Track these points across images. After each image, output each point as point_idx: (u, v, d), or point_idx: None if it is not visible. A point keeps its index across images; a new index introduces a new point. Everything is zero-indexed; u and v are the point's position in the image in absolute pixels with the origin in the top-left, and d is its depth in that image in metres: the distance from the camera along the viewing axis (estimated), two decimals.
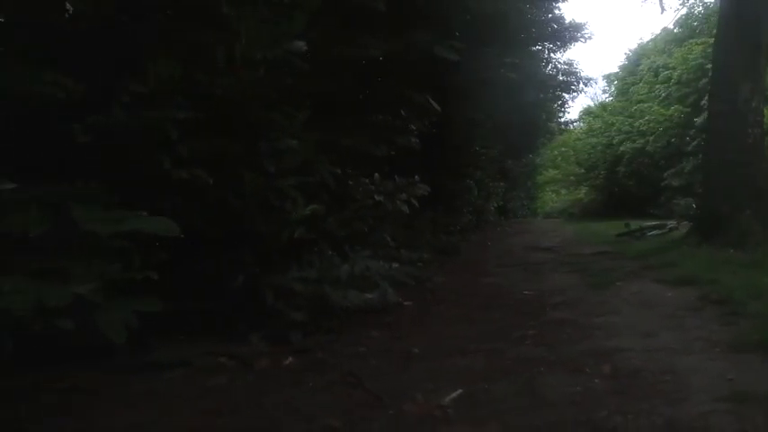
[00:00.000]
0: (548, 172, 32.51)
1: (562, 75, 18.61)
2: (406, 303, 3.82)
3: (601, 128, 24.23)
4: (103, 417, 1.92)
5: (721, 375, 2.17)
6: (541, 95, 16.93)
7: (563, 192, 33.76)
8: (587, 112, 30.29)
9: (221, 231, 2.59)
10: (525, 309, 3.67)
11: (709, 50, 17.35)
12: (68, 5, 1.71)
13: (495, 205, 17.45)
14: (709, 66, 16.59)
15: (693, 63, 17.58)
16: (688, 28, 20.60)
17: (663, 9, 18.92)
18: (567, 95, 20.40)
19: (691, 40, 18.51)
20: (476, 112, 9.55)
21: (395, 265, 3.92)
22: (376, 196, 4.40)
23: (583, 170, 25.82)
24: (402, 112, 4.71)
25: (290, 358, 2.59)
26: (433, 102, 4.34)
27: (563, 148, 29.08)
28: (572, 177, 28.85)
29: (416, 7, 4.38)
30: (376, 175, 4.55)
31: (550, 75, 17.65)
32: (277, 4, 2.25)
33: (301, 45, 2.43)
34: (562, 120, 23.76)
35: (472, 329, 3.15)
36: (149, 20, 1.84)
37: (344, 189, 3.72)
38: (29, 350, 1.97)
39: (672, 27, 22.67)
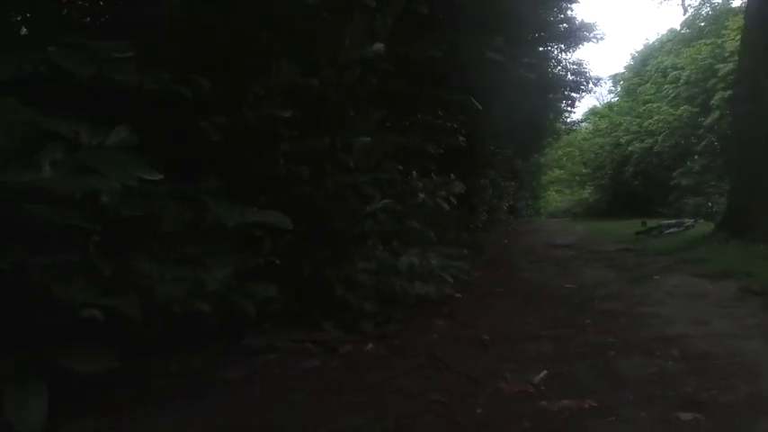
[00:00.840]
0: (552, 172, 32.67)
1: (571, 74, 18.79)
2: (457, 295, 3.97)
3: (607, 128, 24.38)
4: (221, 396, 2.05)
5: None
6: (550, 95, 17.11)
7: (566, 192, 33.96)
8: (593, 113, 30.45)
9: (303, 225, 2.72)
10: (573, 301, 3.82)
11: (718, 51, 17.60)
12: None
13: (507, 205, 17.60)
14: (718, 66, 16.83)
15: (702, 63, 17.73)
16: (695, 28, 20.74)
17: (685, 10, 19.04)
18: (576, 95, 20.63)
19: (700, 41, 18.65)
20: (492, 111, 9.71)
21: (444, 259, 4.06)
22: (419, 193, 4.55)
23: (589, 170, 25.99)
24: (439, 112, 4.88)
25: (370, 344, 2.73)
26: (475, 102, 4.48)
27: (568, 148, 29.23)
28: (577, 177, 29.04)
29: (457, 9, 4.53)
30: (414, 172, 4.70)
31: (560, 74, 17.82)
32: (367, 9, 2.39)
33: (381, 47, 2.58)
34: (569, 120, 23.96)
35: (530, 319, 3.29)
36: (272, 23, 1.98)
37: (394, 186, 3.86)
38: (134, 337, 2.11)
39: (679, 28, 22.80)
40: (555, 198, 36.73)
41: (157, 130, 1.82)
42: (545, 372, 2.27)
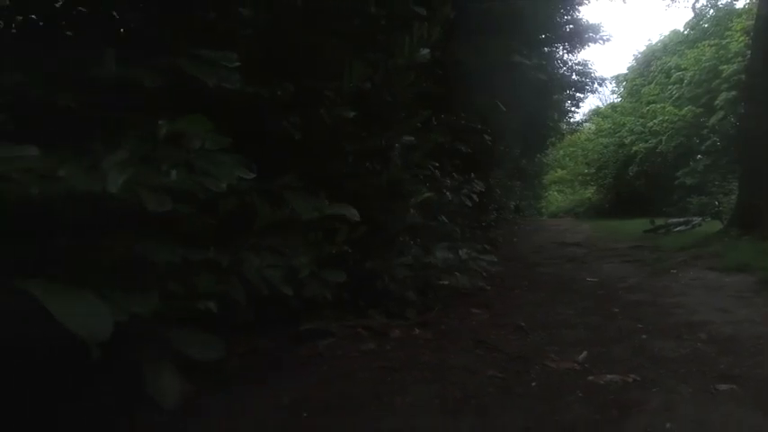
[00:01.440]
0: (555, 172, 32.90)
1: (576, 74, 19.02)
2: (483, 286, 4.16)
3: (611, 128, 24.60)
4: (296, 373, 2.25)
5: None
6: (555, 96, 17.35)
7: (568, 191, 34.20)
8: (596, 113, 30.67)
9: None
10: (598, 293, 4.02)
11: (722, 52, 17.81)
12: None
13: (513, 204, 17.81)
14: (723, 67, 17.04)
15: (706, 65, 17.93)
16: (699, 30, 20.95)
17: (695, 12, 19.33)
18: (580, 95, 20.87)
19: (704, 42, 18.85)
20: (505, 112, 9.93)
21: (473, 253, 4.25)
22: (445, 191, 4.75)
23: (592, 170, 26.21)
24: (462, 113, 5.08)
25: (417, 330, 2.93)
26: (500, 104, 4.69)
27: (571, 148, 29.46)
28: (580, 177, 29.28)
29: (482, 13, 4.72)
30: (436, 171, 4.91)
31: (565, 74, 18.05)
32: (419, 17, 2.59)
33: (428, 52, 2.78)
34: (572, 120, 24.21)
35: (561, 309, 3.49)
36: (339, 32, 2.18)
37: (430, 183, 4.06)
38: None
39: (682, 29, 23.00)
40: (556, 198, 36.93)
41: (243, 131, 2.01)
42: (585, 352, 2.47)
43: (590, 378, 2.15)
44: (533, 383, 2.10)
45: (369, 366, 2.34)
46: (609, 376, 2.15)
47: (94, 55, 1.48)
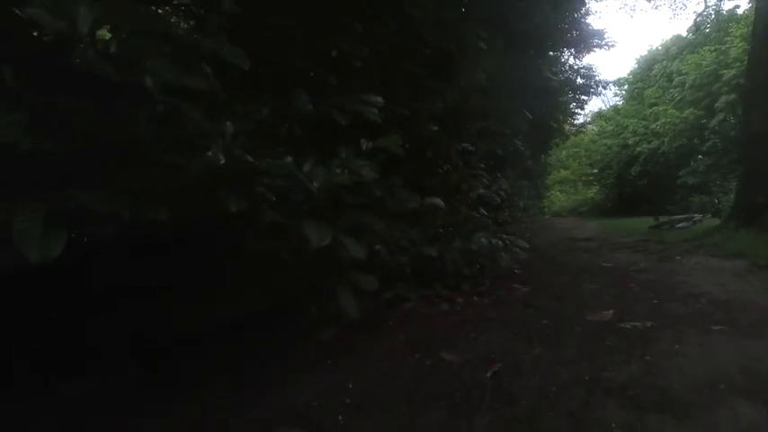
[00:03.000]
0: (558, 172, 33.63)
1: (581, 78, 19.79)
2: (516, 270, 4.91)
3: (614, 130, 25.32)
4: (393, 327, 2.99)
5: None
6: (561, 98, 18.10)
7: (571, 191, 34.91)
8: (599, 116, 31.43)
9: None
10: (615, 274, 4.76)
11: (722, 57, 18.54)
12: None
13: (522, 203, 18.52)
14: (723, 71, 17.76)
15: (707, 69, 18.64)
16: (701, 34, 21.67)
17: (696, 20, 20.15)
18: (585, 97, 21.67)
19: (704, 47, 19.56)
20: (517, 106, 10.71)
21: (509, 240, 5.00)
22: (481, 189, 5.49)
23: (596, 170, 26.92)
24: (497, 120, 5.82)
25: (476, 298, 3.68)
26: (527, 113, 5.43)
27: (575, 149, 30.19)
28: (584, 177, 29.97)
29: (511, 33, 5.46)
30: (482, 172, 5.65)
31: (571, 78, 18.81)
32: (480, 49, 3.34)
33: (485, 77, 3.52)
34: (576, 122, 24.99)
35: (586, 285, 4.23)
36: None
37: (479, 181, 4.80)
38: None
39: (684, 34, 23.71)
40: (558, 197, 37.60)
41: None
42: (612, 310, 3.21)
43: (618, 325, 2.89)
44: (578, 328, 2.84)
45: (448, 320, 3.09)
46: (632, 323, 2.89)
47: (293, 96, 2.22)
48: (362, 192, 2.10)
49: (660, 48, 28.02)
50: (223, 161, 1.44)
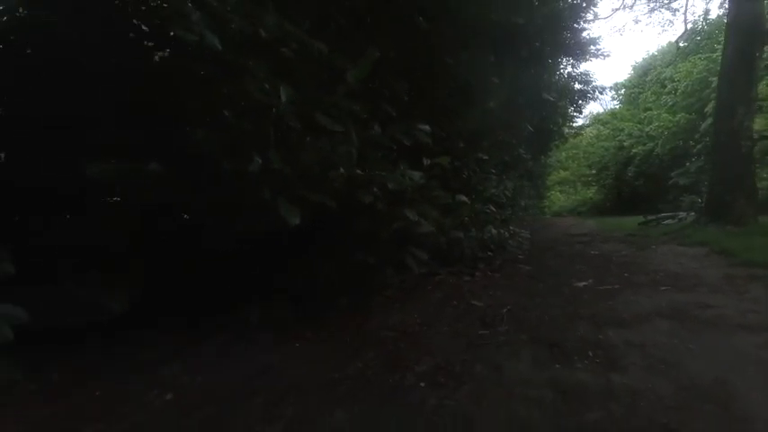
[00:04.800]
0: (558, 173, 34.74)
1: (579, 83, 20.93)
2: (520, 256, 6.03)
3: (611, 133, 26.45)
4: (429, 295, 4.10)
5: (720, 274, 4.38)
6: (560, 103, 19.24)
7: (570, 191, 36.03)
8: (596, 119, 32.59)
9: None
10: (600, 258, 5.89)
11: (711, 66, 19.68)
12: None
13: (524, 203, 19.63)
14: (712, 79, 18.88)
15: (697, 76, 19.76)
16: (692, 42, 22.80)
17: (686, 27, 21.27)
18: (582, 102, 22.87)
19: (696, 56, 20.68)
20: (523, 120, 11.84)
21: (515, 230, 6.12)
22: (492, 189, 6.62)
23: (594, 171, 28.04)
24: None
25: (490, 273, 4.80)
26: (529, 126, 6.55)
27: (573, 151, 31.31)
28: (583, 178, 31.08)
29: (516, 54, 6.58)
30: (492, 175, 6.77)
31: (570, 84, 19.96)
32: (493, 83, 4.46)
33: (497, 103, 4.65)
34: (575, 125, 26.15)
35: (576, 266, 5.35)
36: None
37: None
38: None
39: (680, 43, 24.81)
40: (558, 198, 38.66)
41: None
42: (591, 279, 4.34)
43: (596, 288, 4.01)
44: (565, 289, 3.97)
45: (473, 287, 4.21)
46: (605, 286, 4.02)
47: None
48: (424, 191, 3.22)
49: (657, 53, 29.17)
50: (360, 173, 2.56)
